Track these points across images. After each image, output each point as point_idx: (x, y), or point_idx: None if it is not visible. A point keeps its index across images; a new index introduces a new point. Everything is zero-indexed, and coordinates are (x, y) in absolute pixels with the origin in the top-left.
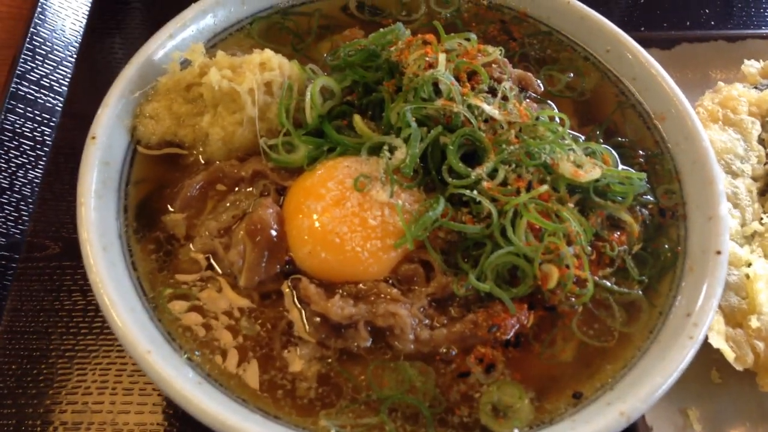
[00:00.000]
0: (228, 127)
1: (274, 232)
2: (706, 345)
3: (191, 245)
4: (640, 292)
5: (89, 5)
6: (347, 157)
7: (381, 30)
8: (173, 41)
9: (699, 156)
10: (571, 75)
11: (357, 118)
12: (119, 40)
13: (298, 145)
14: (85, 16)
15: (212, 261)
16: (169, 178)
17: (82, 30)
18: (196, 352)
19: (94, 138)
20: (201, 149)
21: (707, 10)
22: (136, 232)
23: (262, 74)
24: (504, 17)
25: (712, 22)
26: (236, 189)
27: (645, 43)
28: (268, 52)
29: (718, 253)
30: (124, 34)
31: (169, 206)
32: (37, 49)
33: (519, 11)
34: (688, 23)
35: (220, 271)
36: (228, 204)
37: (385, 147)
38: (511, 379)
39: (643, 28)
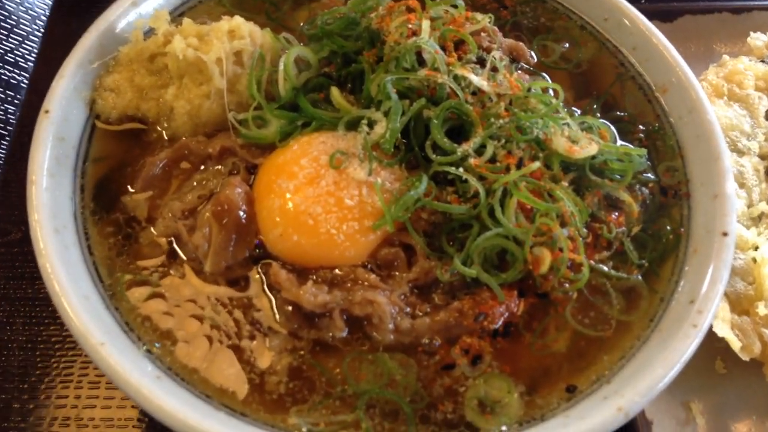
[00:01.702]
0: (194, 100)
1: (242, 214)
2: (710, 333)
3: (153, 228)
4: (640, 277)
5: None
6: (323, 132)
7: None
8: (137, 8)
9: (704, 130)
10: (566, 45)
11: (335, 91)
12: (90, 15)
13: (269, 120)
14: None
15: (176, 245)
16: (130, 155)
17: (50, 3)
18: (156, 344)
19: (47, 112)
20: (165, 125)
21: None
22: (93, 213)
23: (231, 43)
24: None
25: None
26: (203, 167)
27: (646, 15)
28: (238, 19)
29: (725, 234)
30: (95, 8)
31: (129, 186)
32: (1, 23)
33: None
34: None
35: (184, 256)
36: (194, 183)
37: (364, 121)
38: (500, 371)
39: (643, 0)
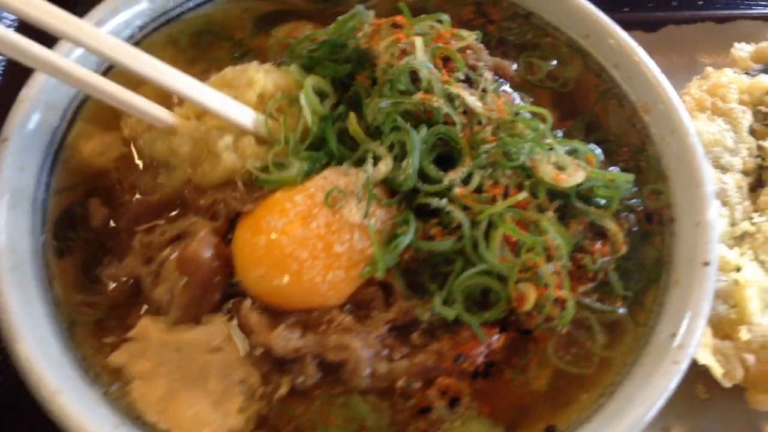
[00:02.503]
0: (206, 171)
1: (211, 268)
2: (691, 358)
3: (117, 268)
4: (624, 310)
5: None
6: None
7: (339, 18)
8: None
9: (685, 153)
10: (554, 63)
11: (352, 118)
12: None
13: (291, 162)
14: None
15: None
16: (99, 186)
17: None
18: (113, 385)
19: (5, 140)
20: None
21: None
22: (56, 250)
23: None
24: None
25: (700, 2)
26: (186, 214)
27: (628, 26)
28: (254, 74)
29: (706, 264)
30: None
31: (112, 221)
32: None
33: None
34: (674, 3)
35: (146, 304)
36: (168, 227)
37: (369, 155)
38: (478, 413)
39: (626, 9)
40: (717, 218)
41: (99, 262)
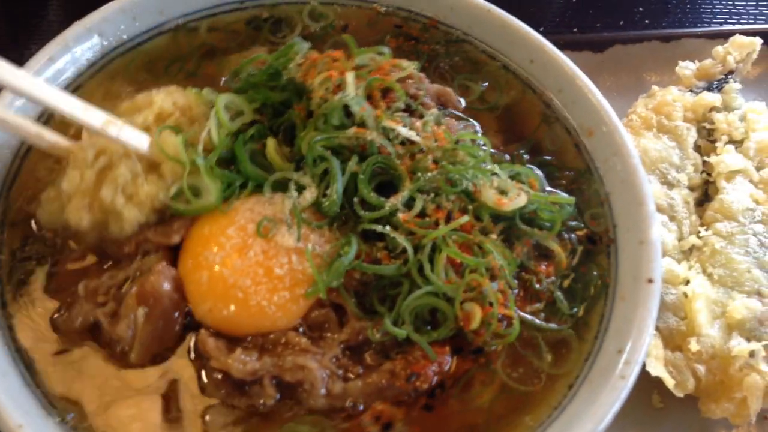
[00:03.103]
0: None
1: (171, 300)
2: (645, 369)
3: (67, 317)
4: (570, 329)
5: None
6: (250, 197)
7: (281, 48)
8: (54, 64)
9: (628, 174)
10: (485, 84)
11: (270, 144)
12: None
13: (206, 187)
14: None
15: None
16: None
17: None
18: (69, 415)
19: None
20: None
21: (641, 8)
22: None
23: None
24: (411, 27)
25: (647, 21)
26: (120, 263)
27: (577, 46)
28: (154, 96)
29: (650, 281)
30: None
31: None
32: None
33: (430, 19)
34: (621, 23)
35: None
36: (113, 271)
37: (292, 184)
38: None
39: (575, 29)
40: (660, 236)
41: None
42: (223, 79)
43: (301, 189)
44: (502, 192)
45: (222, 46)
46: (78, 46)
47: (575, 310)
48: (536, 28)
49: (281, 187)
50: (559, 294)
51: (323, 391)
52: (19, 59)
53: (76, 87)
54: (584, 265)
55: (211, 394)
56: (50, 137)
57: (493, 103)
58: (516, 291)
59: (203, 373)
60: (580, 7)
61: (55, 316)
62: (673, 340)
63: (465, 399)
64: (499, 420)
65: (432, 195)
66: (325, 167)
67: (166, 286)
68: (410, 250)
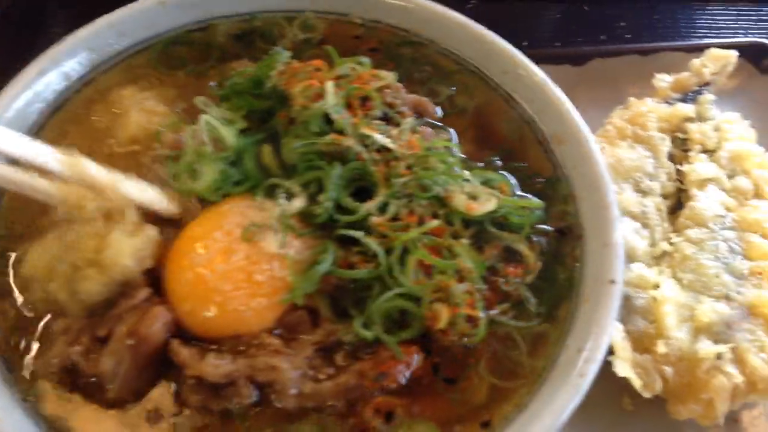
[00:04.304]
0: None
1: (162, 343)
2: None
3: (44, 360)
4: (541, 325)
5: None
6: (241, 201)
7: (264, 57)
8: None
9: (594, 180)
10: (454, 88)
11: (266, 151)
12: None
13: (203, 171)
14: None
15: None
16: None
17: None
18: None
19: None
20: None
21: (623, 23)
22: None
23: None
24: (385, 40)
25: (628, 36)
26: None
27: (557, 60)
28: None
29: (612, 282)
30: None
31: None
32: None
33: (406, 32)
34: (602, 37)
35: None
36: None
37: (281, 191)
38: (421, 417)
39: (558, 43)
40: (623, 239)
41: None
42: (210, 84)
43: (290, 196)
44: (473, 197)
45: (210, 57)
46: (67, 60)
47: (542, 308)
48: (520, 43)
49: (273, 192)
50: (527, 293)
51: (294, 391)
52: None
53: (64, 101)
54: (551, 266)
55: (188, 402)
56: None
57: (461, 107)
58: (484, 292)
59: (179, 382)
60: (563, 23)
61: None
62: (641, 342)
63: (450, 393)
64: (481, 409)
65: (405, 200)
66: (314, 175)
67: (162, 331)
68: (381, 254)
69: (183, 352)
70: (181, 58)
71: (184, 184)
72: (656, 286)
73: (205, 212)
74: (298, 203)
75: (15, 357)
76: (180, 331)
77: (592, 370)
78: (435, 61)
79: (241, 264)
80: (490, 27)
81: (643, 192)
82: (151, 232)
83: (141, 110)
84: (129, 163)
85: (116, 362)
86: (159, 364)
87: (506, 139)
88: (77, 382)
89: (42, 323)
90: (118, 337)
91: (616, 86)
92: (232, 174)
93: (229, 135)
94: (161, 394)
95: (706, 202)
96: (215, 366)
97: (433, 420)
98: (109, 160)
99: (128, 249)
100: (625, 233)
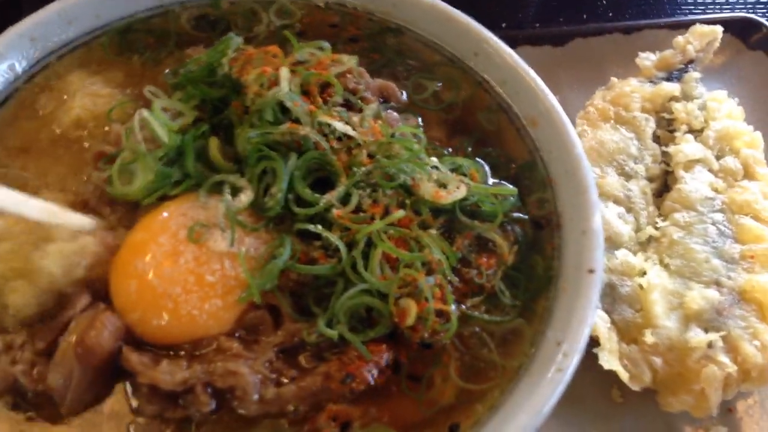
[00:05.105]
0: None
1: (112, 351)
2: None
3: None
4: (516, 318)
5: None
6: (183, 202)
7: (216, 43)
8: None
9: (571, 165)
10: (439, 84)
11: (213, 144)
12: None
13: (137, 174)
14: None
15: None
16: None
17: None
18: None
19: None
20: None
21: (604, 1)
22: None
23: None
24: (362, 25)
25: (610, 13)
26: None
27: (537, 41)
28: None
29: (591, 271)
30: None
31: None
32: None
33: (378, 16)
34: (584, 16)
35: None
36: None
37: (226, 187)
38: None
39: (538, 24)
40: (601, 225)
41: None
42: (166, 71)
43: (236, 191)
44: (442, 185)
45: (168, 44)
46: (11, 51)
47: (517, 301)
48: (498, 25)
49: (216, 188)
50: (501, 286)
51: (255, 396)
52: None
53: (13, 90)
54: (528, 256)
55: (144, 412)
56: None
57: (442, 101)
58: (455, 285)
59: (133, 391)
60: (543, 2)
61: None
62: (629, 332)
63: (422, 394)
64: (451, 410)
65: (369, 190)
66: (265, 166)
67: (110, 339)
68: (343, 248)
69: (134, 359)
70: (137, 45)
71: (116, 189)
72: (642, 273)
73: (147, 216)
74: (245, 198)
75: None
76: (134, 337)
77: (572, 363)
78: (408, 46)
79: (190, 266)
80: (468, 9)
81: (628, 175)
82: (85, 240)
83: (86, 94)
84: (72, 150)
85: (64, 375)
86: (113, 373)
87: (479, 123)
88: (27, 398)
89: None
90: (64, 348)
91: (599, 66)
92: (169, 173)
93: (164, 133)
94: (117, 402)
95: (693, 184)
96: (170, 373)
97: (394, 425)
98: (53, 147)
99: (55, 258)
100: (609, 218)
